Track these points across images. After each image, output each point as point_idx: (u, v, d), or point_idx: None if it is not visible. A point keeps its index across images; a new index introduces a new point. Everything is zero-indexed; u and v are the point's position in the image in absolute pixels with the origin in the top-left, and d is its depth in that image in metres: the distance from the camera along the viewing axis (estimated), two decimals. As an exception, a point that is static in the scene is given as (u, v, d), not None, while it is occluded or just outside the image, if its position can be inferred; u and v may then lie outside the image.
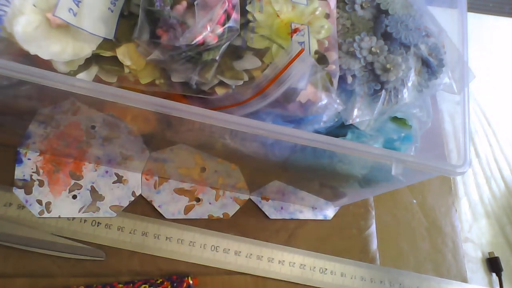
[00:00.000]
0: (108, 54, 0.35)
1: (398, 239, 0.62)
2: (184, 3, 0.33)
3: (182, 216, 0.55)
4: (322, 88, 0.36)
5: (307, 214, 0.59)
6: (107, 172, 0.54)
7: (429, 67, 0.40)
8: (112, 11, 0.35)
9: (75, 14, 0.33)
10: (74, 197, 0.52)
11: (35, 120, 0.44)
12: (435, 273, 0.61)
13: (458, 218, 0.66)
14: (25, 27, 0.32)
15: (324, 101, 0.36)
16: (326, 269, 0.57)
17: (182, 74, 0.35)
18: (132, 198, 0.54)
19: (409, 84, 0.39)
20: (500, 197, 0.71)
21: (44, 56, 0.33)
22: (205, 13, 0.33)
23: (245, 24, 0.36)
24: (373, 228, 0.61)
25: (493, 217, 0.69)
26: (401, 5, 0.41)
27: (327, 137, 0.35)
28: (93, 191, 0.53)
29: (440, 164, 0.37)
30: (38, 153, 0.53)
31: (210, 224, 0.55)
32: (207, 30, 0.33)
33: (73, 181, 0.53)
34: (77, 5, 0.34)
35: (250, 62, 0.35)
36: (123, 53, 0.34)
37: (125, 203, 0.54)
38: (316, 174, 0.47)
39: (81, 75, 0.35)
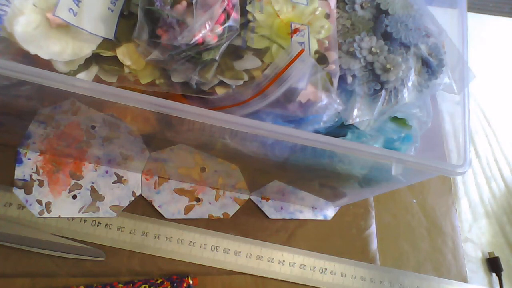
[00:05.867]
0: (108, 54, 0.35)
1: (398, 239, 0.62)
2: (184, 3, 0.33)
3: (182, 216, 0.55)
4: (322, 88, 0.36)
5: (307, 214, 0.59)
6: (107, 172, 0.54)
7: (429, 67, 0.40)
8: (112, 11, 0.35)
9: (75, 14, 0.33)
10: (74, 197, 0.52)
11: (35, 120, 0.44)
12: (435, 273, 0.61)
13: (458, 218, 0.66)
14: (25, 27, 0.32)
15: (324, 101, 0.36)
16: (326, 269, 0.57)
17: (182, 74, 0.35)
18: (132, 198, 0.54)
19: (409, 84, 0.39)
20: (500, 197, 0.71)
21: (44, 56, 0.33)
22: (204, 12, 0.33)
23: (245, 24, 0.36)
24: (373, 228, 0.61)
25: (493, 217, 0.69)
26: (401, 5, 0.41)
27: (327, 137, 0.35)
28: (93, 191, 0.53)
29: (440, 164, 0.37)
30: (38, 153, 0.53)
31: (210, 224, 0.55)
32: (206, 29, 0.33)
33: (73, 181, 0.53)
34: (77, 5, 0.34)
35: (250, 62, 0.35)
36: (123, 53, 0.34)
37: (125, 203, 0.54)
38: (316, 174, 0.47)
39: (81, 75, 0.35)
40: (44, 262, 0.49)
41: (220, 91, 0.35)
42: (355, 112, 0.38)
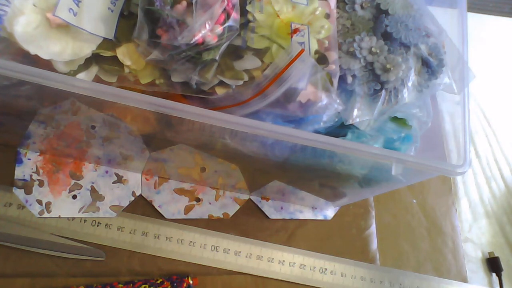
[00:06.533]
0: (108, 54, 0.35)
1: (398, 239, 0.62)
2: (184, 3, 0.33)
3: (182, 216, 0.55)
4: (322, 88, 0.36)
5: (307, 214, 0.59)
6: (107, 172, 0.54)
7: (429, 67, 0.40)
8: (112, 11, 0.35)
9: (75, 14, 0.33)
10: (74, 197, 0.52)
11: (35, 120, 0.44)
12: (435, 273, 0.61)
13: (458, 218, 0.66)
14: (25, 27, 0.32)
15: (324, 101, 0.36)
16: (326, 269, 0.57)
17: (182, 74, 0.35)
18: (132, 198, 0.54)
19: (409, 84, 0.39)
20: (500, 197, 0.71)
21: (44, 56, 0.33)
22: (204, 12, 0.33)
23: (245, 24, 0.36)
24: (373, 228, 0.61)
25: (493, 217, 0.69)
26: (401, 5, 0.41)
27: (327, 137, 0.35)
28: (93, 191, 0.53)
29: (440, 164, 0.37)
30: (38, 153, 0.53)
31: (210, 224, 0.55)
32: (206, 29, 0.33)
33: (73, 181, 0.53)
34: (77, 5, 0.34)
35: (250, 62, 0.35)
36: (123, 53, 0.34)
37: (125, 203, 0.54)
38: (316, 174, 0.47)
39: (81, 75, 0.35)
40: (44, 262, 0.49)
41: (220, 91, 0.35)
42: (355, 112, 0.38)
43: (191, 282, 0.51)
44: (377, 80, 0.39)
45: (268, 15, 0.37)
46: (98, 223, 0.52)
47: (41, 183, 0.52)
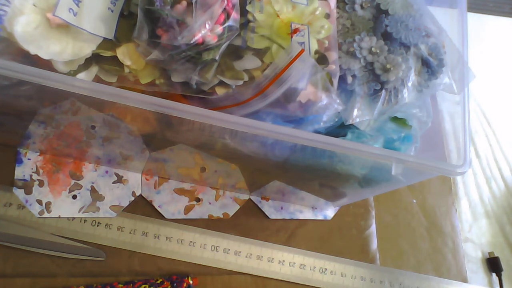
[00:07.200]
0: (108, 54, 0.35)
1: (398, 239, 0.62)
2: (184, 3, 0.33)
3: (182, 216, 0.55)
4: (322, 88, 0.36)
5: (307, 214, 0.59)
6: (107, 172, 0.54)
7: (429, 67, 0.40)
8: (112, 11, 0.35)
9: (75, 14, 0.33)
10: (74, 197, 0.52)
11: (35, 120, 0.44)
12: (435, 273, 0.61)
13: (458, 218, 0.66)
14: (25, 27, 0.32)
15: (324, 101, 0.36)
16: (326, 269, 0.57)
17: (182, 74, 0.35)
18: (132, 198, 0.54)
19: (409, 84, 0.39)
20: (500, 197, 0.71)
21: (44, 56, 0.33)
22: (204, 12, 0.33)
23: (245, 24, 0.36)
24: (373, 228, 0.61)
25: (493, 217, 0.69)
26: (401, 5, 0.41)
27: (327, 137, 0.35)
28: (93, 191, 0.53)
29: (440, 164, 0.37)
30: (38, 153, 0.53)
31: (210, 224, 0.55)
32: (205, 29, 0.33)
33: (73, 181, 0.53)
34: (77, 5, 0.34)
35: (250, 62, 0.35)
36: (123, 53, 0.34)
37: (125, 203, 0.54)
38: (316, 174, 0.47)
39: (81, 75, 0.35)
40: (44, 262, 0.49)
41: (220, 91, 0.35)
42: (355, 112, 0.38)
43: (191, 282, 0.51)
44: (377, 80, 0.39)
45: (268, 15, 0.37)
46: (98, 223, 0.52)
47: (41, 183, 0.52)
